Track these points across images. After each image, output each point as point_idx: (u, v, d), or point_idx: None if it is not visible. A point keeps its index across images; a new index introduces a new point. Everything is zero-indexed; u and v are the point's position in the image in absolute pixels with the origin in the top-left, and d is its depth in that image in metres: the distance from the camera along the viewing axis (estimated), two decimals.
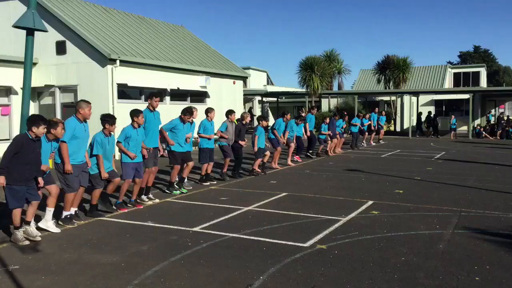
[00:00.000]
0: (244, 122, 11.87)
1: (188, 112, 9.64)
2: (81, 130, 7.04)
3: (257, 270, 5.03)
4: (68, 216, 7.01)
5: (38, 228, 6.45)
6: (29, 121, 6.13)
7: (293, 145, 14.35)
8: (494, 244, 5.93)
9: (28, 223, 6.22)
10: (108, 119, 7.54)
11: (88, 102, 7.19)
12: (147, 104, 8.97)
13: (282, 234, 6.48)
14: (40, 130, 6.08)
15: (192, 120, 10.04)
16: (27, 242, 6.04)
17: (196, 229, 6.77)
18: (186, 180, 10.16)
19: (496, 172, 12.56)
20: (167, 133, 9.41)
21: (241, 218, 7.50)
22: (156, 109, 8.98)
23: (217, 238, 6.27)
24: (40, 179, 6.29)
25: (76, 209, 7.29)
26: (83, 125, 7.09)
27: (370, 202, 8.56)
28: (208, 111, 10.84)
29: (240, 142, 11.58)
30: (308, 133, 15.96)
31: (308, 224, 7.03)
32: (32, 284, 4.70)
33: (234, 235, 6.44)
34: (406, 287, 4.57)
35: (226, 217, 7.53)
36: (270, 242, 6.09)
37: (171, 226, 6.93)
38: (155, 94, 9.11)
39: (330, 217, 7.41)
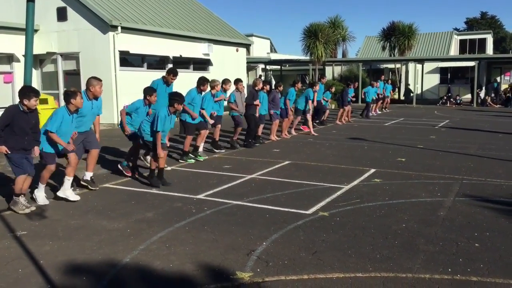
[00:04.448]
0: (256, 88, 11.63)
1: (206, 82, 9.62)
2: (87, 107, 6.88)
3: (260, 236, 5.12)
4: (73, 182, 7.10)
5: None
6: (20, 93, 5.95)
7: (305, 116, 14.24)
8: (494, 212, 6.00)
9: (23, 194, 6.22)
10: (177, 99, 7.47)
11: (99, 80, 7.01)
12: (163, 76, 9.06)
13: (284, 201, 6.56)
14: (32, 102, 5.92)
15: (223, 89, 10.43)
16: (27, 211, 6.08)
17: (200, 196, 6.86)
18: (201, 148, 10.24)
19: (499, 140, 12.55)
20: (187, 107, 9.30)
21: (244, 186, 7.58)
22: (170, 84, 9.09)
23: (220, 205, 6.36)
24: (36, 148, 6.18)
25: (92, 174, 7.25)
26: (90, 103, 6.93)
27: (372, 170, 8.61)
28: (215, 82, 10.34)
29: (255, 103, 11.34)
30: (315, 103, 15.87)
31: (311, 192, 7.10)
32: (40, 249, 4.81)
33: (237, 202, 6.52)
34: (406, 252, 4.66)
35: (230, 184, 7.61)
36: (273, 209, 6.18)
37: (176, 194, 7.01)
38: (173, 73, 9.15)
39: (332, 185, 7.48)
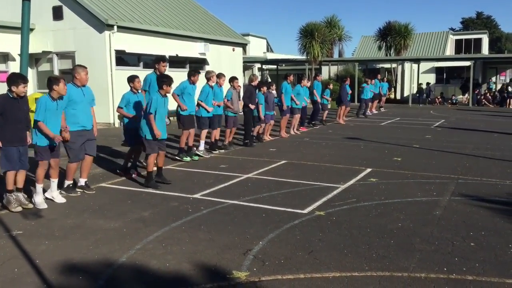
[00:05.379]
0: (253, 84, 11.56)
1: (196, 73, 9.60)
2: (79, 94, 6.82)
3: (256, 236, 5.13)
4: (70, 185, 7.01)
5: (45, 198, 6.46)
6: (8, 81, 5.94)
7: (297, 116, 14.21)
8: (490, 211, 6.02)
9: (20, 190, 6.20)
10: (165, 80, 7.46)
11: (84, 67, 6.97)
12: (154, 68, 8.96)
13: (281, 201, 6.57)
14: (20, 89, 5.90)
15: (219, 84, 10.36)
16: (19, 209, 6.04)
17: (197, 196, 6.85)
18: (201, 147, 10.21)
19: (495, 140, 12.60)
20: (178, 97, 9.35)
21: (240, 185, 7.58)
22: (163, 73, 8.95)
23: (217, 205, 6.36)
24: (28, 134, 6.16)
25: (86, 179, 7.19)
26: (80, 90, 6.87)
27: (368, 170, 8.63)
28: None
29: (250, 105, 11.29)
30: (318, 99, 15.88)
31: (307, 191, 7.11)
32: (36, 249, 4.80)
33: (234, 202, 6.52)
34: (402, 252, 4.67)
35: (226, 184, 7.61)
36: (269, 208, 6.18)
37: (172, 193, 7.01)
38: (162, 59, 9.02)
39: (328, 185, 7.49)
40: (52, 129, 6.23)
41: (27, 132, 6.22)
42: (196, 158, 9.75)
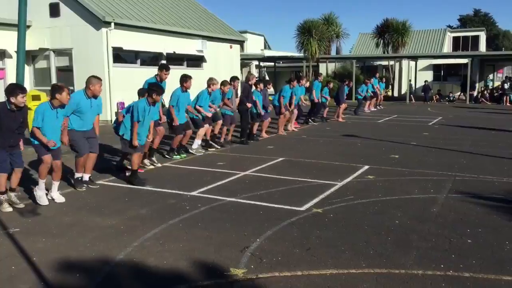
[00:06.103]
0: (250, 82, 11.53)
1: (189, 78, 9.37)
2: (87, 105, 6.87)
3: (253, 233, 5.13)
4: (79, 178, 7.06)
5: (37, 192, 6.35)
6: (7, 92, 5.86)
7: (296, 112, 14.24)
8: (487, 208, 6.04)
9: (13, 190, 6.14)
10: (156, 89, 7.42)
11: (99, 79, 6.99)
12: (156, 74, 8.89)
13: (278, 198, 6.57)
14: (19, 99, 5.82)
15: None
16: (10, 209, 5.98)
17: (194, 193, 6.85)
18: (198, 144, 10.18)
19: (492, 137, 12.63)
20: (174, 109, 9.15)
21: (238, 182, 7.58)
22: (164, 80, 8.89)
23: (214, 202, 6.36)
24: (21, 143, 6.12)
25: (90, 175, 7.18)
26: (89, 101, 6.91)
27: (366, 167, 8.64)
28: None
29: (248, 104, 11.28)
30: (316, 99, 15.89)
31: (304, 189, 7.12)
32: (33, 246, 4.79)
33: (231, 199, 6.52)
34: (399, 249, 4.68)
35: (223, 181, 7.60)
36: (267, 206, 6.18)
37: (169, 191, 7.00)
38: (166, 67, 8.93)
39: (326, 182, 7.49)
40: (50, 135, 6.18)
41: (20, 139, 6.14)
42: (184, 155, 9.68)
